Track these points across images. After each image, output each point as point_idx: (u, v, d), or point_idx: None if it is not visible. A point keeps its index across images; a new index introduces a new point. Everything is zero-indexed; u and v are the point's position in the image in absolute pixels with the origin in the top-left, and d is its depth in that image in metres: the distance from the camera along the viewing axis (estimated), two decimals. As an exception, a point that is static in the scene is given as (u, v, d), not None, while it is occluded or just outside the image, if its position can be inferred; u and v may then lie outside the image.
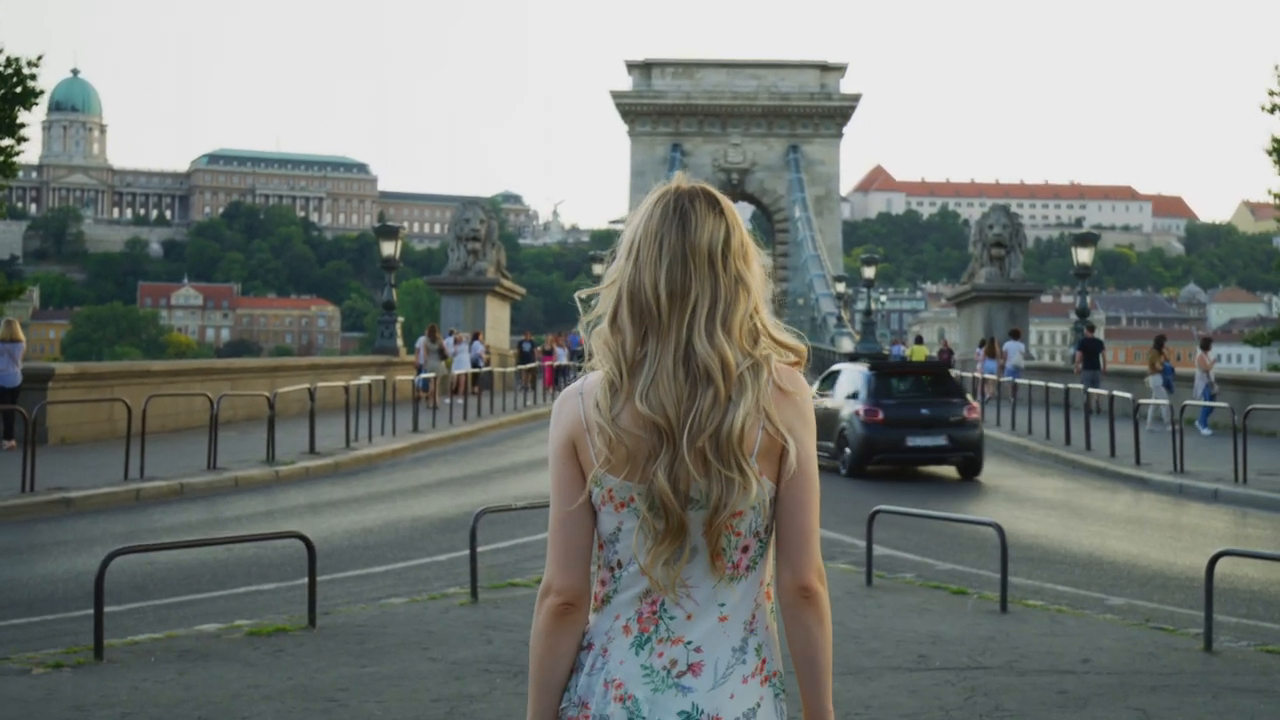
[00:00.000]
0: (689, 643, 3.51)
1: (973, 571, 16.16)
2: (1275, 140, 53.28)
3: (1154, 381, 36.24)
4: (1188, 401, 31.97)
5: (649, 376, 3.48)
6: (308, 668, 10.68)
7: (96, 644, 10.92)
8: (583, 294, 3.79)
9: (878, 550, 14.95)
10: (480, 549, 14.98)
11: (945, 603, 13.56)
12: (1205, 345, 36.40)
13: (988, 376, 46.87)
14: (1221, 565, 16.81)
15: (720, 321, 3.50)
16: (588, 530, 3.61)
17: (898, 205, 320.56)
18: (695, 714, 3.46)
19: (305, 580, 12.45)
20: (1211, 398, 34.37)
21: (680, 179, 3.67)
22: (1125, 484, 26.33)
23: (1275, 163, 53.47)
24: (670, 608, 3.53)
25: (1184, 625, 12.86)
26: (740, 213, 4.11)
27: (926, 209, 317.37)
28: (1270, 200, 57.26)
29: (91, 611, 11.00)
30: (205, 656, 11.02)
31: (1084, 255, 51.30)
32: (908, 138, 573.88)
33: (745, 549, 3.55)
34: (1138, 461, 27.41)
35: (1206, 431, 33.88)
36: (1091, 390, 33.98)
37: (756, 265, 3.64)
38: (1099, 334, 53.82)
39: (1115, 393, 31.25)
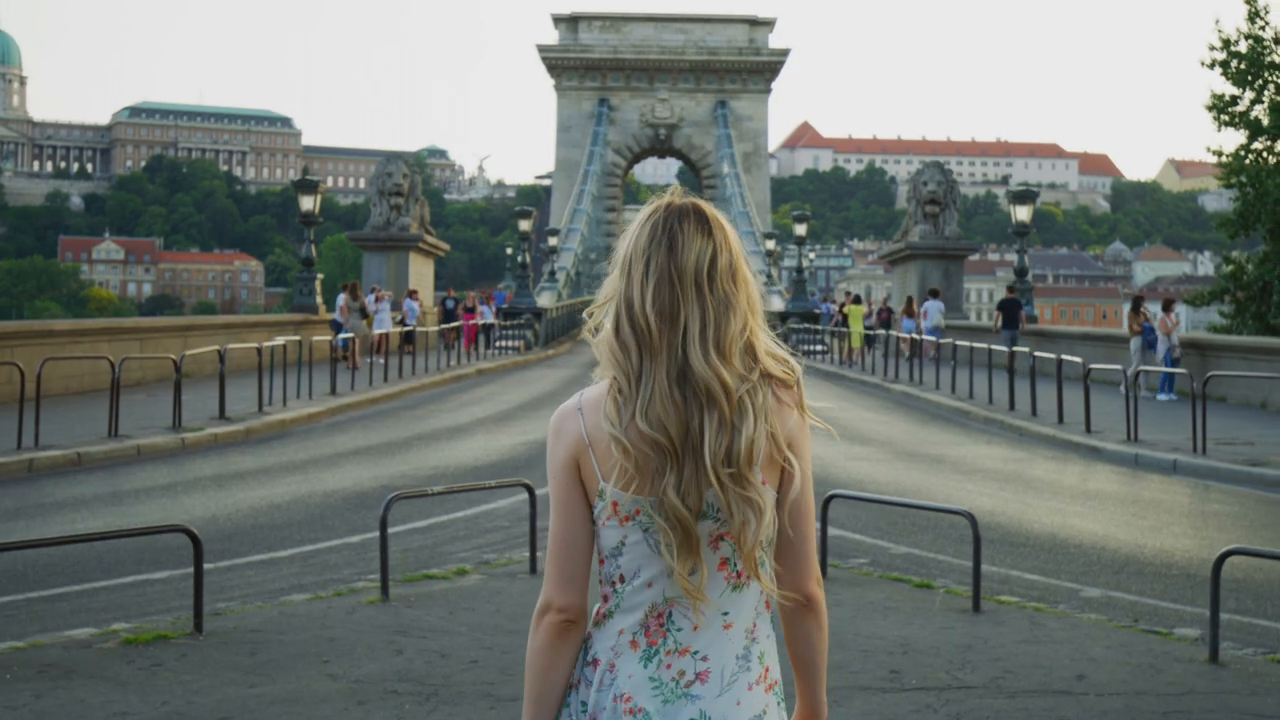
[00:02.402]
0: (695, 652, 3.52)
1: (931, 556, 14.99)
2: (1215, 97, 52.42)
3: (1134, 344, 34.95)
4: (1143, 367, 30.96)
5: (647, 394, 3.48)
6: (187, 688, 9.23)
7: (-55, 659, 9.47)
8: (589, 311, 3.73)
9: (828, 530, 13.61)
10: (394, 529, 13.76)
11: (910, 599, 12.24)
12: (1167, 306, 34.91)
13: (899, 335, 46.10)
14: (1190, 547, 15.78)
15: (713, 343, 3.50)
16: (589, 548, 3.61)
17: (825, 162, 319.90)
18: None
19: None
20: (1173, 362, 33.31)
21: (674, 193, 3.69)
22: (1076, 453, 25.20)
23: (1215, 119, 52.65)
24: (678, 619, 3.53)
25: (1171, 623, 11.73)
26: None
27: (853, 166, 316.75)
28: (1206, 157, 56.47)
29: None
30: (70, 673, 9.56)
31: (1022, 213, 49.89)
32: (835, 94, 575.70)
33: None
34: (1088, 429, 26.32)
35: (1163, 397, 32.85)
36: (1039, 354, 32.67)
37: (747, 284, 3.62)
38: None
39: (1065, 357, 30.08)
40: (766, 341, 3.62)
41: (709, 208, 3.63)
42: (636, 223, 3.63)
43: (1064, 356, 30.07)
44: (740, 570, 3.55)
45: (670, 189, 3.71)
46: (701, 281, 3.51)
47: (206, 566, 11.79)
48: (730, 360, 3.49)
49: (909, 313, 51.92)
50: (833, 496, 13.47)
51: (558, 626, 3.57)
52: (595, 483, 3.54)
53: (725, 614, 3.54)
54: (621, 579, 3.56)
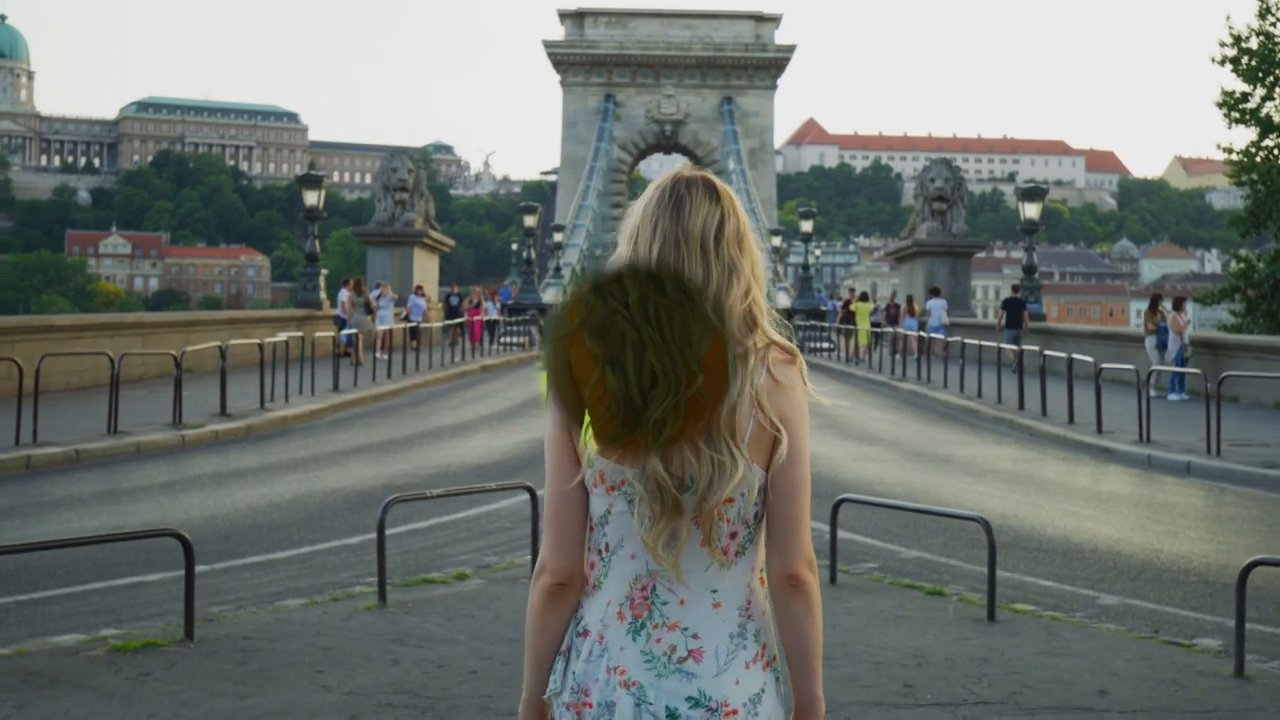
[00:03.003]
0: (685, 628, 3.51)
1: (942, 560, 14.63)
2: (1226, 93, 52.24)
3: (1149, 343, 34.58)
4: (1160, 366, 30.60)
5: None
6: (175, 700, 8.89)
7: (-75, 668, 9.14)
8: None
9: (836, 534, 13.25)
10: (394, 530, 13.45)
11: (922, 607, 11.87)
12: (1178, 304, 34.52)
13: (907, 333, 45.91)
14: (1208, 552, 15.45)
15: (711, 308, 3.44)
16: (582, 512, 3.62)
17: (830, 158, 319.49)
18: (703, 700, 3.46)
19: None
20: (1184, 361, 32.92)
21: (684, 167, 3.73)
22: (1088, 454, 24.85)
23: (1225, 116, 52.49)
24: (662, 593, 3.54)
25: (1192, 633, 11.37)
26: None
27: (859, 162, 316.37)
28: (1213, 154, 56.70)
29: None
30: (55, 682, 9.23)
31: (1031, 210, 49.40)
32: (841, 90, 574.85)
33: (733, 535, 3.55)
34: (1099, 429, 25.97)
35: (1174, 397, 32.45)
36: (1048, 353, 32.29)
37: (752, 252, 3.66)
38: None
39: (1076, 356, 29.72)
40: (768, 322, 3.63)
41: (717, 179, 3.68)
42: (646, 193, 3.68)
43: (1075, 355, 29.72)
44: (725, 547, 3.54)
45: (681, 164, 3.77)
46: (708, 244, 3.56)
47: (202, 568, 11.53)
48: (726, 326, 3.45)
49: (911, 311, 51.96)
50: (843, 500, 13.13)
51: (550, 590, 3.62)
52: (586, 448, 3.56)
53: (714, 592, 3.54)
54: (607, 548, 3.60)
